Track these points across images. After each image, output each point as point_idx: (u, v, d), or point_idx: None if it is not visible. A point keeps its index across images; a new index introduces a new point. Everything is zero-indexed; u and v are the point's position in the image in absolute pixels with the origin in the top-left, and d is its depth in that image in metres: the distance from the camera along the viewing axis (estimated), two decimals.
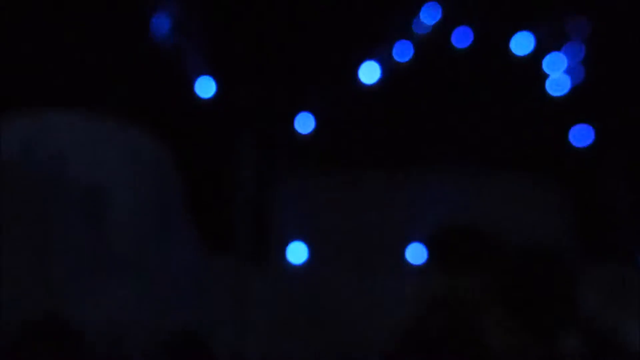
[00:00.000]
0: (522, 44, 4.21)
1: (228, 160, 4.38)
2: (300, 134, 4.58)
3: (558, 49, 4.21)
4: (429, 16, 4.32)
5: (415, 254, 4.26)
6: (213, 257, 3.91)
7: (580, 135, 4.33)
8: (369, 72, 4.49)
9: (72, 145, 3.42)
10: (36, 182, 3.24)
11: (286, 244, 4.34)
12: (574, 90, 4.25)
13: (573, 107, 4.26)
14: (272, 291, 4.07)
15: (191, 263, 3.69)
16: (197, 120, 4.30)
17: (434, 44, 4.30)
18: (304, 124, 4.64)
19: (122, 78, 3.91)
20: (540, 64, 4.22)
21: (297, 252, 4.42)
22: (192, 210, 3.97)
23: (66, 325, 2.54)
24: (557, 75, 4.24)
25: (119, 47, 3.93)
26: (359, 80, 4.45)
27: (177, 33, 4.16)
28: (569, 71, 4.25)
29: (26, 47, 3.67)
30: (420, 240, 4.16)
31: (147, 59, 4.05)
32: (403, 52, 4.37)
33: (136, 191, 3.60)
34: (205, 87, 4.33)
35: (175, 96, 4.21)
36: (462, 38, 4.31)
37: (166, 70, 4.11)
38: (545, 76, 4.28)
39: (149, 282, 3.49)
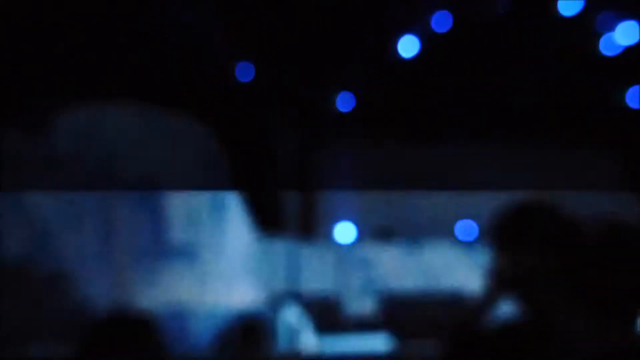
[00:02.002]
0: (569, 3, 4.07)
1: (273, 142, 4.38)
2: (342, 112, 4.55)
3: (609, 7, 4.05)
4: None
5: (466, 230, 4.23)
6: (265, 239, 3.93)
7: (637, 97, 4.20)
8: (408, 46, 4.43)
9: (125, 136, 3.44)
10: (93, 176, 3.27)
11: (334, 223, 4.34)
12: (627, 50, 4.10)
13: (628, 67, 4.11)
14: (324, 270, 4.08)
15: (244, 246, 3.72)
16: (240, 105, 4.29)
17: (474, 12, 4.22)
18: (346, 102, 4.61)
19: (167, 69, 3.92)
20: (591, 24, 4.05)
21: (345, 232, 4.43)
22: (241, 194, 3.98)
23: (136, 315, 2.56)
24: (611, 35, 4.06)
25: (163, 39, 3.94)
26: (398, 54, 4.40)
27: (214, 20, 4.14)
28: (622, 30, 4.07)
29: (78, 44, 3.69)
30: (470, 217, 4.13)
31: (187, 48, 4.05)
32: (442, 22, 4.29)
33: (188, 179, 3.62)
34: (245, 72, 4.32)
35: (217, 83, 4.21)
36: (504, 2, 4.20)
37: (206, 58, 4.10)
38: (598, 36, 4.10)
39: (207, 267, 3.52)
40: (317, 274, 4.09)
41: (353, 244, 4.40)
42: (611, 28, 4.05)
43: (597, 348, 1.83)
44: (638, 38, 4.01)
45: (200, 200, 3.69)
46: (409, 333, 3.72)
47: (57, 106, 3.50)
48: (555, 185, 3.85)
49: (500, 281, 2.12)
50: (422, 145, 4.41)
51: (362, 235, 4.36)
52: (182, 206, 3.58)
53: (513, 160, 4.17)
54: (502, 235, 2.23)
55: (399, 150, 4.44)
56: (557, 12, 4.02)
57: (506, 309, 2.17)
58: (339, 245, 4.38)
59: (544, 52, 4.08)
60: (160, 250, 3.42)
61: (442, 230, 4.21)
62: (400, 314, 3.94)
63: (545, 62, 4.12)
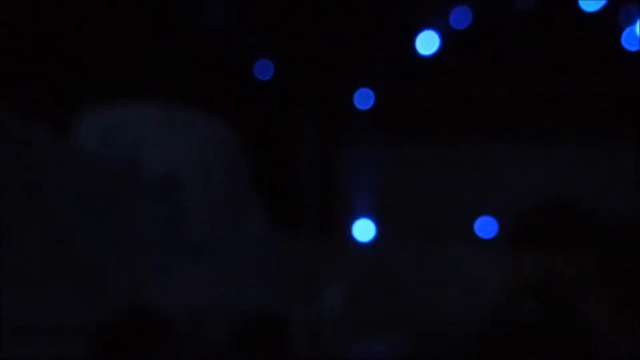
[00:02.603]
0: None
1: (291, 140, 4.37)
2: (360, 110, 4.53)
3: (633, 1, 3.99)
4: None
5: (485, 227, 4.20)
6: (283, 237, 3.93)
7: None
8: (427, 42, 4.40)
9: (148, 136, 3.46)
10: (115, 175, 3.29)
11: (353, 221, 4.33)
12: None
13: None
14: (342, 268, 4.07)
15: (263, 244, 3.72)
16: (259, 103, 4.29)
17: (494, 8, 4.18)
18: (364, 99, 4.59)
19: (187, 67, 3.93)
20: (614, 19, 4.00)
21: (364, 230, 4.41)
22: (261, 192, 3.98)
23: (154, 314, 2.57)
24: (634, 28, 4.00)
25: (185, 40, 3.96)
26: (417, 51, 4.37)
27: (233, 17, 4.14)
28: None
29: (101, 42, 3.71)
30: (491, 214, 4.10)
31: (206, 47, 4.05)
32: (461, 18, 4.26)
33: (207, 177, 3.63)
34: (264, 69, 4.31)
35: (236, 81, 4.21)
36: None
37: (225, 56, 4.10)
38: (620, 30, 4.05)
39: (225, 264, 3.53)
40: (335, 273, 4.08)
41: (372, 242, 4.39)
42: (633, 22, 3.99)
43: (626, 349, 1.81)
44: None
45: (220, 198, 3.70)
46: (428, 333, 3.70)
47: (82, 106, 3.53)
48: (578, 183, 3.81)
49: (525, 282, 2.09)
50: (442, 142, 4.39)
51: (381, 233, 4.34)
52: (202, 204, 3.59)
53: (534, 157, 4.14)
54: (525, 235, 2.20)
55: (419, 148, 4.41)
56: (578, 8, 3.98)
57: (530, 308, 2.14)
58: (358, 243, 4.37)
59: (565, 48, 4.04)
60: (179, 248, 3.43)
61: (461, 228, 4.18)
62: (419, 313, 3.92)
63: (565, 58, 4.08)
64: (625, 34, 4.07)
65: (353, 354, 3.71)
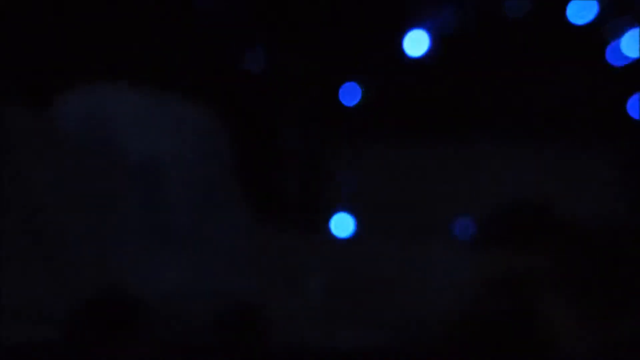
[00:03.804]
0: (580, 12, 4.09)
1: (276, 132, 4.39)
2: (346, 106, 4.56)
3: (620, 15, 4.09)
4: None
5: (464, 228, 4.24)
6: (264, 227, 3.95)
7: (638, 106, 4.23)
8: (416, 43, 4.44)
9: (128, 118, 3.45)
10: (94, 155, 3.29)
11: (334, 215, 4.36)
12: (636, 60, 4.15)
13: (633, 77, 4.15)
14: (321, 260, 4.10)
15: (243, 233, 3.74)
16: (245, 93, 4.30)
17: (481, 12, 4.23)
18: (350, 95, 4.61)
19: (173, 53, 3.93)
20: (600, 32, 4.10)
21: (343, 225, 4.44)
22: (243, 181, 4.00)
23: (126, 296, 2.58)
24: (619, 44, 4.12)
25: (170, 21, 3.94)
26: (405, 51, 4.40)
27: (223, 6, 4.15)
28: (630, 38, 4.13)
29: (81, 23, 3.69)
30: (470, 215, 4.14)
31: (195, 33, 4.05)
32: (450, 20, 4.30)
33: (189, 164, 3.64)
34: (254, 60, 4.32)
35: (223, 69, 4.22)
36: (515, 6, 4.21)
37: (214, 44, 4.11)
38: (605, 45, 4.16)
39: (204, 252, 3.54)
40: (314, 265, 4.11)
41: (351, 237, 4.42)
42: (619, 36, 4.07)
43: (583, 345, 1.86)
44: None
45: (201, 185, 3.71)
46: (403, 327, 3.74)
47: (60, 87, 3.51)
48: (553, 186, 3.86)
49: (492, 280, 2.14)
50: (425, 141, 4.42)
51: (360, 228, 4.38)
52: (182, 191, 3.60)
53: (516, 159, 4.19)
54: (495, 235, 2.25)
55: (401, 145, 4.45)
56: (567, 19, 4.04)
57: (496, 304, 2.18)
58: (337, 238, 4.40)
59: (554, 56, 4.10)
60: (158, 233, 3.44)
61: (440, 227, 4.22)
62: (395, 308, 3.96)
63: (550, 64, 4.13)
64: (609, 47, 4.15)
65: (331, 346, 3.74)
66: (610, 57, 4.28)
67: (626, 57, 4.15)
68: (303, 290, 3.89)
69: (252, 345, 3.30)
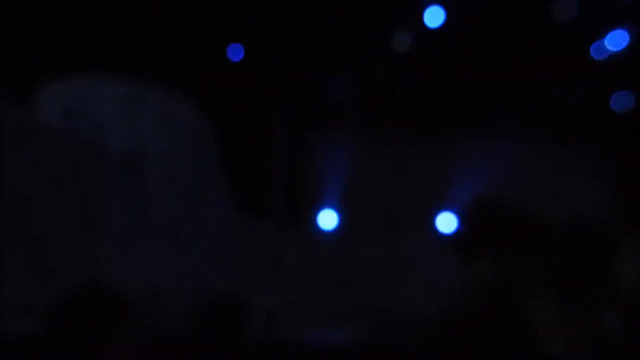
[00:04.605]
0: (564, 10, 4.11)
1: (259, 128, 4.38)
2: (333, 100, 4.56)
3: (602, 14, 4.10)
4: None
5: (446, 222, 4.26)
6: (247, 222, 3.95)
7: (621, 102, 4.26)
8: (401, 39, 4.44)
9: (111, 113, 3.44)
10: (76, 149, 3.27)
11: (318, 210, 4.36)
12: (615, 55, 4.17)
13: (615, 72, 4.17)
14: (304, 255, 4.10)
15: (226, 228, 3.73)
16: (231, 87, 4.29)
17: (466, 8, 4.23)
18: (338, 89, 4.62)
19: (158, 47, 3.91)
20: (583, 29, 4.12)
21: (328, 219, 4.45)
22: (227, 176, 3.99)
23: (108, 290, 2.57)
24: (602, 40, 4.13)
25: (155, 17, 3.93)
26: (392, 46, 4.40)
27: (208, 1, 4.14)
28: (614, 35, 4.14)
29: (64, 17, 3.68)
30: (452, 209, 4.15)
31: (179, 27, 4.04)
32: (435, 17, 4.30)
33: (173, 157, 3.62)
34: (236, 53, 4.32)
35: (208, 63, 4.20)
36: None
37: (198, 38, 4.10)
38: (589, 41, 4.17)
39: (186, 246, 3.53)
40: (296, 259, 4.11)
41: (335, 231, 4.42)
42: (602, 35, 4.11)
43: (563, 340, 1.87)
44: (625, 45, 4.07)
45: (185, 179, 3.70)
46: (387, 321, 3.74)
47: (42, 80, 3.49)
48: (536, 183, 3.89)
49: (476, 279, 2.15)
50: (409, 136, 4.44)
51: (344, 222, 4.38)
52: (164, 185, 3.58)
53: (497, 158, 4.21)
54: (477, 233, 2.27)
55: (387, 142, 4.46)
56: (550, 16, 4.06)
57: (480, 303, 2.20)
58: (321, 231, 4.40)
59: (536, 52, 4.11)
60: (140, 226, 3.42)
61: (423, 221, 4.23)
62: (378, 302, 3.96)
63: (536, 62, 4.15)
64: (594, 45, 4.18)
65: (311, 340, 3.74)
66: (594, 53, 4.30)
67: (609, 51, 4.17)
68: (284, 284, 3.89)
69: (234, 338, 3.29)
